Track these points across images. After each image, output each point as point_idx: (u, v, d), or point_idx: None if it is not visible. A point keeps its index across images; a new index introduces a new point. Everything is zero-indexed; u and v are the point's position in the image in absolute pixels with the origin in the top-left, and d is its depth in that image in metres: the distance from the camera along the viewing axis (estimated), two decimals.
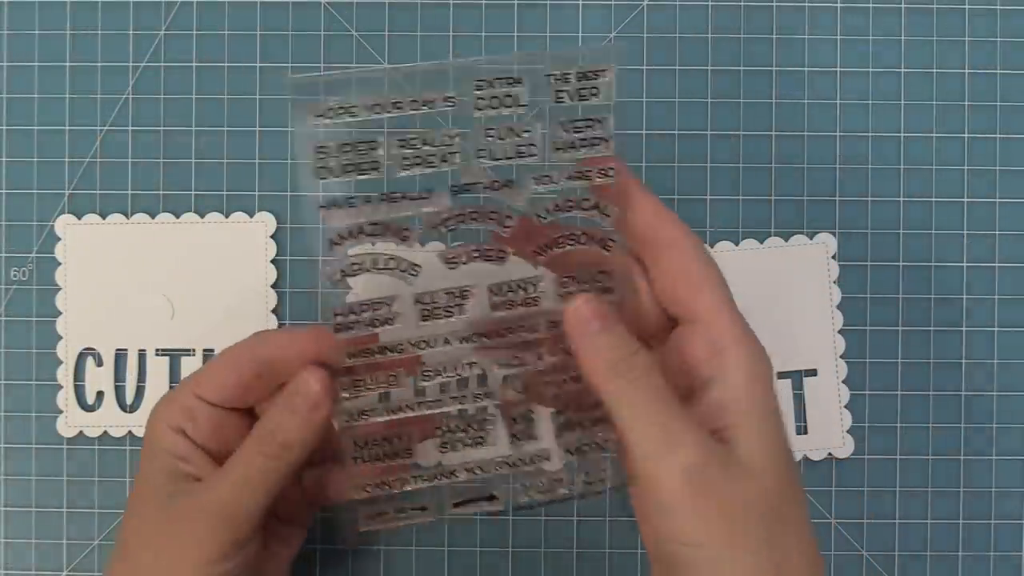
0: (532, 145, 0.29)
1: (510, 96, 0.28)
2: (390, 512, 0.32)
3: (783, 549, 0.27)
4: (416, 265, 0.29)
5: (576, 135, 0.29)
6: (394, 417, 0.31)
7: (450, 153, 0.28)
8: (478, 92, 0.28)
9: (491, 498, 0.33)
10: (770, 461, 0.27)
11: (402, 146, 0.28)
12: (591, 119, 0.29)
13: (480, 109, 0.28)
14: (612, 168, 0.29)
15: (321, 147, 0.28)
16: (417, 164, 0.28)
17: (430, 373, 0.30)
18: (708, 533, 0.26)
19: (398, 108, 0.28)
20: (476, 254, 0.29)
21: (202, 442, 0.32)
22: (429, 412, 0.31)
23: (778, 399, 0.29)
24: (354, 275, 0.29)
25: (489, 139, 0.29)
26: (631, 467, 0.28)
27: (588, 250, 0.30)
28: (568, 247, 0.30)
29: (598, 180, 0.29)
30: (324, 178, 0.28)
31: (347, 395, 0.30)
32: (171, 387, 0.39)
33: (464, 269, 0.29)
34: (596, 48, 0.33)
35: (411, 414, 0.30)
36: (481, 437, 0.31)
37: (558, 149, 0.29)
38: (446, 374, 0.30)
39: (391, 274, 0.29)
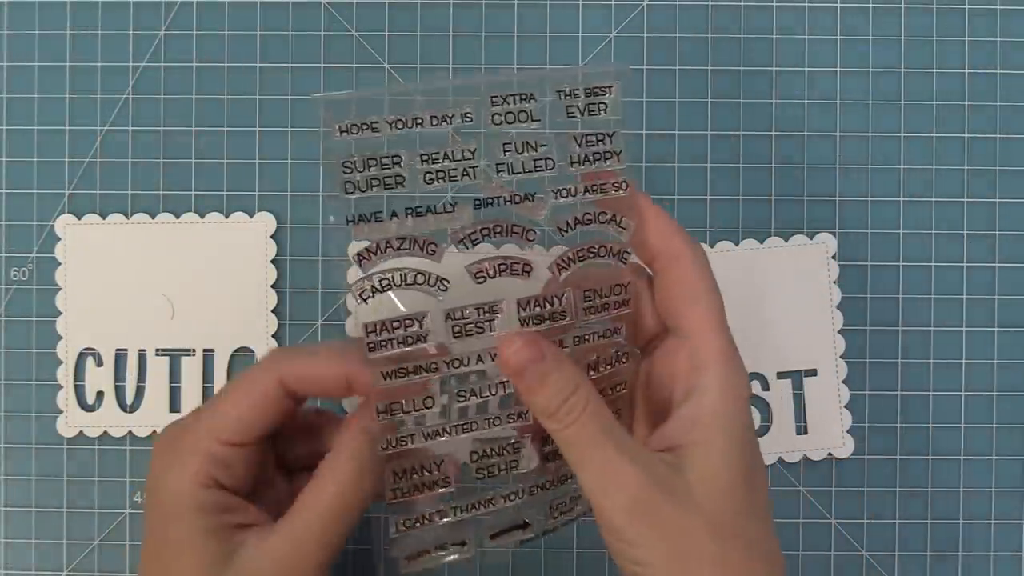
0: (549, 159, 0.29)
1: (524, 112, 0.29)
2: (431, 550, 0.31)
3: (736, 564, 0.27)
4: (445, 279, 0.29)
5: (589, 149, 0.29)
6: (432, 442, 0.30)
7: (471, 167, 0.29)
8: (494, 108, 0.29)
9: (524, 525, 0.32)
10: (726, 480, 0.28)
11: (424, 160, 0.28)
12: (602, 133, 0.29)
13: (496, 124, 0.29)
14: (625, 181, 0.30)
15: (347, 161, 0.28)
16: (441, 178, 0.28)
17: (465, 394, 0.30)
18: (655, 555, 0.27)
19: (419, 124, 0.28)
20: (503, 267, 0.29)
21: (239, 487, 0.30)
22: (467, 435, 0.30)
23: (751, 417, 0.29)
24: (384, 291, 0.28)
25: (507, 153, 0.29)
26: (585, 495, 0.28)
27: (606, 263, 0.30)
28: (589, 260, 0.30)
29: (612, 193, 0.30)
30: (351, 192, 0.28)
31: (384, 418, 0.29)
32: (165, 428, 0.31)
33: (491, 283, 0.29)
34: (601, 64, 0.34)
35: (446, 438, 0.30)
36: (515, 461, 0.31)
37: (572, 163, 0.29)
38: (481, 394, 0.30)
39: (420, 289, 0.29)
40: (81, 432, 0.41)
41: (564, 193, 0.29)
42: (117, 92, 0.41)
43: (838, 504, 0.41)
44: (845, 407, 0.41)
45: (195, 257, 0.41)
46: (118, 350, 0.41)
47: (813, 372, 0.41)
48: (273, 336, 0.41)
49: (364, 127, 0.28)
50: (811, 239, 0.41)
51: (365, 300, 0.28)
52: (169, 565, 0.29)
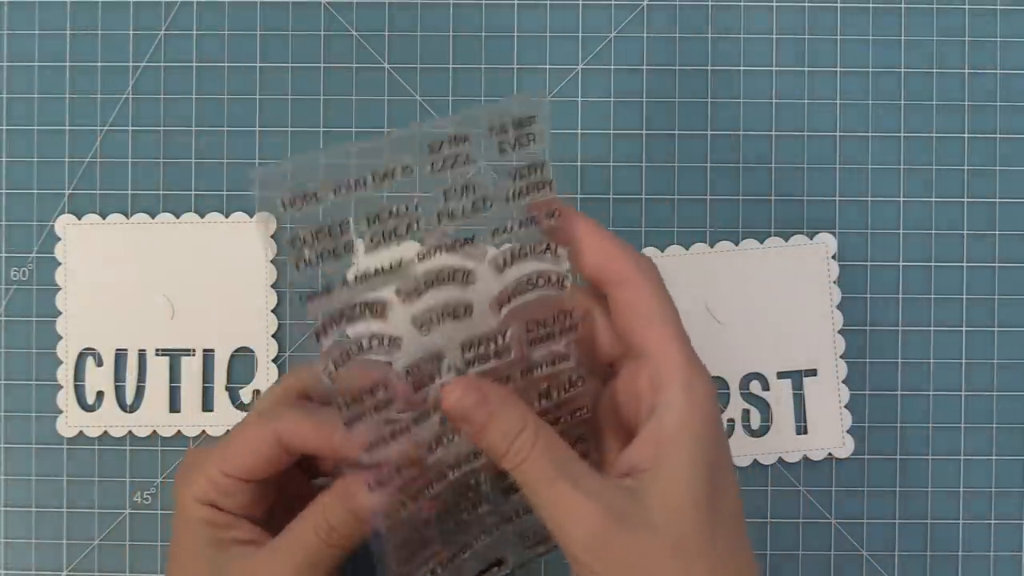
0: (486, 199, 0.29)
1: (460, 155, 0.29)
2: None
3: None
4: (397, 338, 0.29)
5: (521, 182, 0.30)
6: (424, 501, 0.30)
7: (415, 220, 0.29)
8: (432, 156, 0.29)
9: (499, 562, 0.33)
10: (688, 499, 0.27)
11: (371, 223, 0.28)
12: (534, 165, 0.30)
13: (437, 171, 0.29)
14: (557, 210, 0.30)
15: (295, 238, 0.28)
16: (387, 238, 0.29)
17: (432, 444, 0.30)
18: None
19: (361, 185, 0.28)
20: (445, 314, 0.29)
21: (241, 511, 0.32)
22: (444, 484, 0.31)
23: (718, 427, 0.29)
24: (345, 364, 0.28)
25: (449, 201, 0.29)
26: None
27: (547, 293, 0.30)
28: (527, 293, 0.30)
29: (547, 223, 0.30)
30: (302, 269, 0.28)
31: (373, 489, 0.29)
32: (192, 449, 0.35)
33: (436, 331, 0.29)
34: (519, 96, 0.34)
35: (435, 490, 0.30)
36: (477, 498, 0.32)
37: (508, 199, 0.30)
38: (446, 444, 0.30)
39: (378, 353, 0.29)
40: (81, 432, 0.41)
41: (501, 230, 0.30)
42: (117, 92, 0.41)
43: (838, 504, 0.41)
44: (845, 407, 0.41)
45: (195, 257, 0.41)
46: (118, 350, 0.41)
47: (813, 372, 0.41)
48: (273, 336, 0.41)
49: (307, 198, 0.28)
50: (811, 239, 0.41)
51: (331, 379, 0.28)
52: (185, 566, 0.32)
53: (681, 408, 0.28)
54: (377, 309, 0.29)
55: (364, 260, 0.28)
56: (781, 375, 0.41)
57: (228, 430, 0.33)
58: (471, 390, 0.28)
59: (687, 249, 0.41)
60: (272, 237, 0.41)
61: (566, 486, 0.27)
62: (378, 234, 0.28)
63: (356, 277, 0.28)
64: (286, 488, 0.33)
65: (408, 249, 0.29)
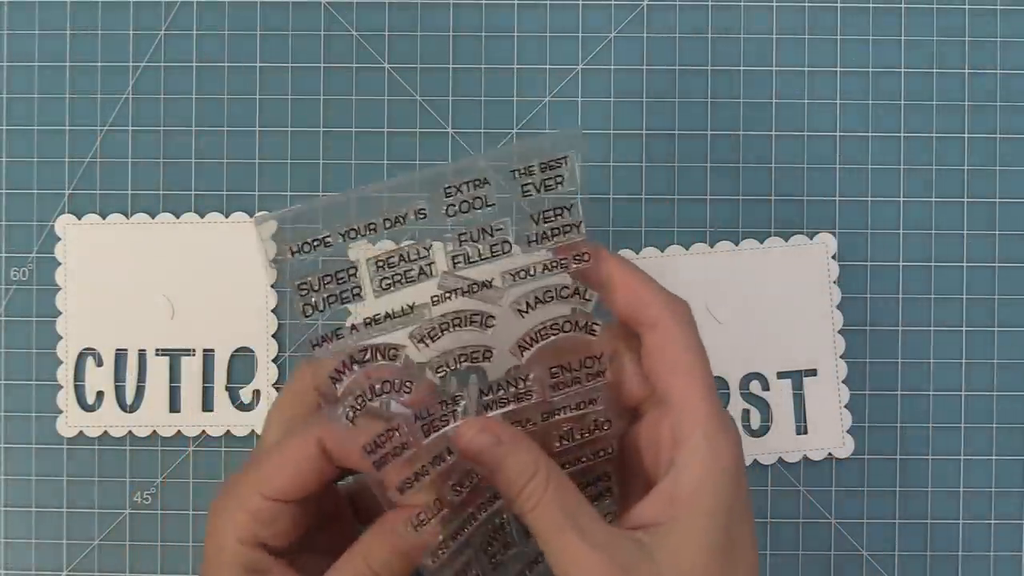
0: (506, 242, 0.29)
1: (479, 198, 0.28)
2: None
3: None
4: (408, 382, 0.29)
5: (547, 225, 0.29)
6: (461, 539, 0.30)
7: (427, 265, 0.28)
8: (448, 199, 0.28)
9: None
10: (701, 563, 0.27)
11: (380, 267, 0.28)
12: (560, 207, 0.29)
13: (451, 216, 0.28)
14: (587, 253, 0.29)
15: (302, 283, 0.28)
16: (398, 282, 0.28)
17: (459, 488, 0.30)
18: None
19: (372, 230, 0.28)
20: (463, 359, 0.29)
21: (280, 543, 0.30)
22: (477, 525, 0.30)
23: (740, 487, 0.28)
24: (359, 412, 0.28)
25: (464, 244, 0.29)
26: None
27: (573, 337, 0.30)
28: (552, 337, 0.30)
29: (574, 267, 0.29)
30: (310, 316, 0.28)
31: (416, 529, 0.29)
32: (225, 481, 0.34)
33: (454, 376, 0.29)
34: (556, 133, 0.32)
35: (473, 526, 0.30)
36: (505, 540, 0.32)
37: (531, 242, 0.29)
38: (467, 484, 0.30)
39: (391, 398, 0.29)
40: (81, 432, 0.41)
41: (522, 275, 0.29)
42: (117, 92, 0.41)
43: (838, 504, 0.41)
44: (845, 407, 0.41)
45: (195, 257, 0.41)
46: (118, 350, 0.41)
47: (813, 372, 0.41)
48: (273, 336, 0.41)
49: (316, 243, 0.27)
50: (811, 239, 0.41)
51: (352, 421, 0.28)
52: None
53: (699, 466, 0.28)
54: (390, 353, 0.29)
55: (374, 304, 0.28)
56: (781, 375, 0.41)
57: (254, 455, 0.31)
58: (484, 431, 0.28)
59: (687, 249, 0.41)
60: (272, 237, 0.41)
61: (573, 535, 0.27)
62: (388, 278, 0.28)
63: (366, 321, 0.28)
64: (323, 506, 0.32)
65: (422, 293, 0.29)
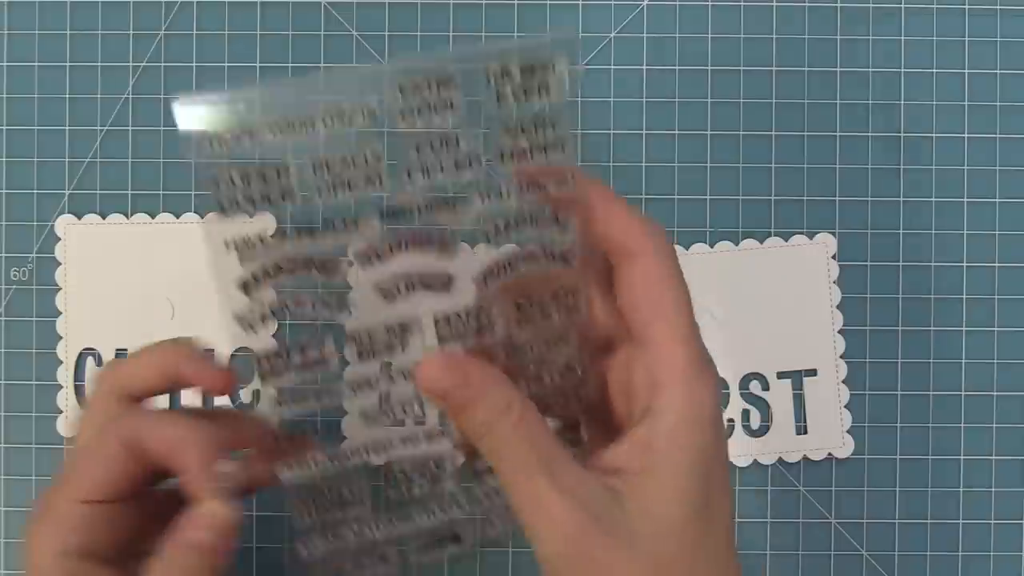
0: (472, 156, 0.25)
1: (442, 100, 0.24)
2: (348, 567, 0.29)
3: None
4: (344, 294, 0.26)
5: (526, 140, 0.25)
6: (346, 465, 0.27)
7: (376, 173, 0.25)
8: (404, 99, 0.24)
9: (455, 538, 0.30)
10: (677, 515, 0.25)
11: (317, 170, 0.24)
12: (543, 120, 0.25)
13: (406, 118, 0.24)
14: (573, 173, 0.26)
15: (220, 177, 0.24)
16: (339, 188, 0.24)
17: (388, 412, 0.27)
18: None
19: (309, 127, 0.24)
20: (417, 282, 0.26)
21: (106, 548, 0.28)
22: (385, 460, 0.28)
23: (717, 435, 0.26)
24: (274, 318, 0.25)
25: (421, 153, 0.25)
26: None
27: (546, 267, 0.27)
28: (522, 267, 0.26)
29: (555, 190, 0.26)
30: (227, 213, 0.24)
31: (288, 467, 0.27)
32: (39, 495, 0.30)
33: (404, 301, 0.26)
34: (542, 37, 0.26)
35: (359, 461, 0.27)
36: (437, 475, 0.29)
37: (504, 159, 0.25)
38: (397, 416, 0.27)
39: (318, 310, 0.26)
40: None
41: (493, 195, 0.25)
42: (117, 92, 0.41)
43: (838, 504, 0.41)
44: (845, 407, 0.41)
45: (195, 257, 0.41)
46: (118, 350, 0.41)
47: (813, 372, 0.41)
48: (273, 336, 0.41)
49: (241, 135, 0.24)
50: (811, 239, 0.41)
51: (253, 329, 0.25)
52: None
53: (678, 416, 0.26)
54: (327, 266, 0.25)
55: (310, 212, 0.24)
56: (781, 375, 0.41)
57: (64, 466, 0.29)
58: (451, 370, 0.25)
59: (687, 249, 0.41)
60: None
61: (544, 482, 0.25)
62: (327, 184, 0.24)
63: (301, 231, 0.25)
64: (147, 507, 0.30)
65: (370, 205, 0.25)
